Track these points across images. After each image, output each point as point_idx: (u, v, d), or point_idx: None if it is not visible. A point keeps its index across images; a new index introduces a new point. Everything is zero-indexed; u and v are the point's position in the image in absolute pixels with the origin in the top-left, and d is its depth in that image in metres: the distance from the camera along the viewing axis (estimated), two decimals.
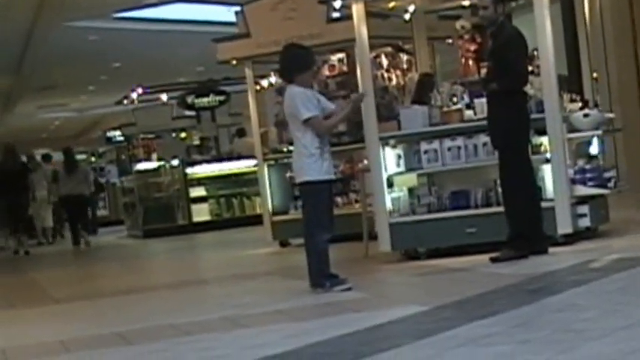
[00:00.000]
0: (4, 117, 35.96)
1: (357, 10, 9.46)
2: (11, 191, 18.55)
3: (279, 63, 8.26)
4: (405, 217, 9.47)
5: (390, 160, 9.48)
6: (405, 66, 12.38)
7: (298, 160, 7.91)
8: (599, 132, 9.48)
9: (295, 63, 7.88)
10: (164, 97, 24.71)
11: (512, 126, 8.44)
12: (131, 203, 21.62)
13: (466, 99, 9.47)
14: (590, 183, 9.25)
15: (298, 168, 7.93)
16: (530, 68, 9.10)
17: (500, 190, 8.78)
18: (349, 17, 9.81)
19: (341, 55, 13.04)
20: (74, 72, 26.02)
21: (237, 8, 13.23)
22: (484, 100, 8.85)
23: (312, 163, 7.75)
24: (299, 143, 7.83)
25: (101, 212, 27.83)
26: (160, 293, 9.86)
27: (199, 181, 20.19)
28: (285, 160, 12.73)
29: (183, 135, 25.94)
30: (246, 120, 17.87)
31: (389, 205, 9.47)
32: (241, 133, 21.65)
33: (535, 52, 9.27)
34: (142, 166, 21.90)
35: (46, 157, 23.54)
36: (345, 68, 13.02)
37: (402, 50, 12.48)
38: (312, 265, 7.84)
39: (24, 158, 21.71)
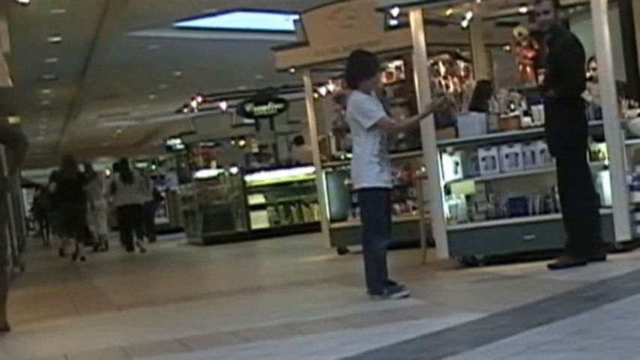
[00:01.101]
0: (68, 126, 36.50)
1: (415, 18, 9.49)
2: (69, 200, 19.13)
3: (345, 69, 8.34)
4: (463, 224, 9.47)
5: (447, 167, 9.49)
6: (462, 73, 12.36)
7: (357, 167, 7.96)
8: None
9: (361, 69, 7.95)
10: (223, 105, 24.91)
11: (570, 133, 8.41)
12: (191, 211, 21.81)
13: (523, 106, 9.46)
14: None
15: (356, 175, 7.98)
16: (587, 74, 9.06)
17: (558, 197, 8.75)
18: (407, 25, 9.84)
19: (398, 63, 13.07)
20: (135, 81, 26.34)
21: (296, 17, 13.33)
22: (541, 106, 8.83)
23: (371, 170, 7.80)
24: (358, 150, 7.88)
25: (161, 220, 28.10)
26: (219, 300, 9.95)
27: (258, 189, 20.31)
28: (343, 168, 12.78)
29: (242, 143, 26.12)
30: (304, 127, 17.96)
31: (446, 212, 9.48)
32: (299, 140, 21.75)
33: (592, 59, 9.23)
34: (201, 173, 22.09)
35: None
36: (402, 76, 13.04)
37: (460, 57, 12.47)
38: (369, 272, 7.87)
39: (82, 167, 22.09)
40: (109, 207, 22.01)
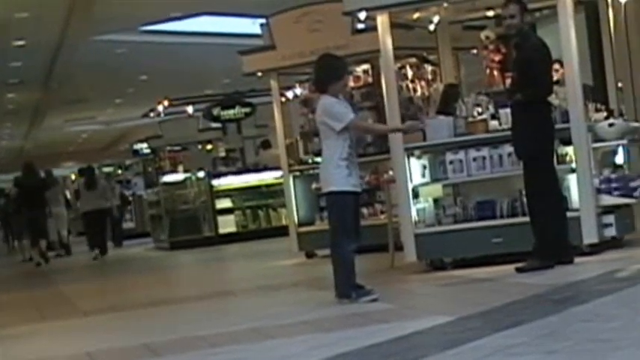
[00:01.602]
0: (33, 130, 36.23)
1: (382, 22, 9.49)
2: (30, 206, 19.20)
3: (314, 73, 8.34)
4: (431, 227, 9.48)
5: (415, 170, 9.49)
6: (429, 77, 12.39)
7: (325, 171, 7.96)
8: (625, 141, 9.46)
9: (329, 73, 7.94)
10: (190, 109, 24.80)
11: (537, 136, 8.44)
12: (157, 215, 21.72)
13: (491, 109, 9.48)
14: (615, 192, 9.23)
15: (325, 178, 7.97)
16: (555, 78, 9.10)
17: (525, 200, 8.77)
18: (374, 28, 9.84)
19: (366, 67, 13.06)
20: (101, 85, 26.21)
21: (263, 20, 13.30)
22: (509, 110, 8.85)
23: (339, 174, 7.78)
24: (327, 153, 7.88)
25: (127, 224, 28.01)
26: (187, 305, 9.90)
27: (225, 193, 20.26)
28: (311, 171, 12.75)
29: (209, 147, 26.02)
30: (271, 132, 17.92)
31: (414, 215, 9.49)
32: (266, 144, 21.71)
33: (559, 62, 9.27)
34: (168, 178, 22.00)
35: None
36: (370, 79, 13.04)
37: (427, 61, 12.49)
38: (338, 276, 7.85)
39: (42, 174, 22.07)
40: (75, 213, 22.15)
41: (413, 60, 12.43)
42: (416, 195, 9.53)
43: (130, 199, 28.36)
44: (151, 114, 26.36)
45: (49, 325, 9.66)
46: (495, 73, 10.15)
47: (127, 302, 10.79)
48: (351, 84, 12.90)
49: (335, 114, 7.78)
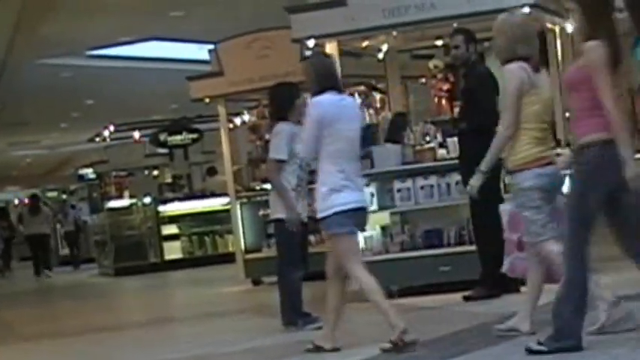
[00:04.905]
0: None
1: (330, 49, 9.50)
2: None
3: (271, 103, 8.30)
4: (378, 255, 9.46)
5: None
6: (378, 105, 12.41)
7: (274, 198, 7.94)
8: (571, 171, 9.50)
9: (279, 101, 7.93)
10: (137, 134, 24.66)
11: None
12: (102, 241, 21.52)
13: (439, 138, 9.51)
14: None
15: (273, 205, 7.95)
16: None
17: (472, 229, 8.79)
18: None
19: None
20: (46, 109, 25.92)
21: (211, 46, 13.26)
22: (457, 139, 8.88)
23: None
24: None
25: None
26: (131, 332, 9.78)
27: (171, 219, 20.12)
28: (258, 198, 12.71)
29: (155, 173, 25.87)
30: (219, 158, 17.85)
31: (362, 243, 9.45)
32: (212, 171, 21.60)
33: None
34: (113, 203, 21.83)
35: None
36: None
37: (375, 89, 12.53)
38: (284, 303, 7.82)
39: None
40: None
41: (361, 88, 12.46)
42: None
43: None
44: (97, 139, 26.17)
45: None
46: (443, 101, 10.19)
47: (69, 328, 10.64)
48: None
49: (273, 144, 7.79)
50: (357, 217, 6.67)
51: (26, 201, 32.57)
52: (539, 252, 6.29)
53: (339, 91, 6.77)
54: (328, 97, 6.64)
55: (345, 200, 6.53)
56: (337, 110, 6.61)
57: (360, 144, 6.80)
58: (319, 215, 6.70)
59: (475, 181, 6.56)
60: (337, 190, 6.55)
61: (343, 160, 6.58)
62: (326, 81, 6.69)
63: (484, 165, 6.41)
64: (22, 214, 21.22)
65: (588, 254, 5.64)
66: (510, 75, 6.32)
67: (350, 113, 6.72)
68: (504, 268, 6.88)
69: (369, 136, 7.49)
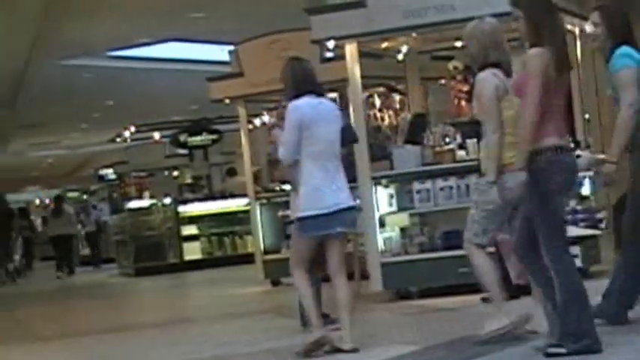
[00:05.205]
0: None
1: (350, 51, 9.51)
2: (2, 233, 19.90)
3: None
4: (397, 256, 9.46)
5: (382, 199, 9.48)
6: (397, 106, 12.41)
7: (296, 197, 7.92)
8: (591, 173, 9.50)
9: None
10: (157, 135, 24.73)
11: None
12: (122, 241, 21.60)
13: (458, 139, 9.50)
14: (581, 224, 9.26)
15: (295, 205, 7.94)
16: None
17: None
18: (342, 57, 9.86)
19: (334, 95, 13.05)
20: (67, 109, 26.04)
21: (231, 47, 13.29)
22: (475, 140, 8.86)
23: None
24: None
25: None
26: (149, 331, 9.81)
27: (191, 220, 20.17)
28: (278, 199, 12.71)
29: (175, 173, 25.94)
30: (238, 158, 17.88)
31: (381, 244, 9.47)
32: (232, 172, 21.64)
33: None
34: (134, 204, 21.91)
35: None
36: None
37: (395, 90, 12.52)
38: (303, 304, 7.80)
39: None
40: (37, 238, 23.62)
41: (381, 89, 12.46)
42: (382, 224, 9.52)
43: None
44: (117, 139, 26.27)
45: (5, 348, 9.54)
46: (463, 103, 10.18)
47: (88, 328, 10.69)
48: None
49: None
50: (343, 216, 6.79)
51: (47, 201, 32.84)
52: (471, 252, 6.34)
53: (318, 94, 6.94)
54: (306, 101, 6.85)
55: (326, 204, 6.72)
56: (315, 113, 6.84)
57: (340, 143, 6.98)
58: (299, 214, 6.86)
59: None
60: (319, 190, 6.73)
61: (324, 160, 6.79)
62: (304, 85, 6.90)
63: (491, 176, 6.36)
64: (46, 217, 21.71)
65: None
66: (484, 83, 6.38)
67: (328, 116, 6.93)
68: (512, 277, 6.93)
69: (349, 136, 7.54)
